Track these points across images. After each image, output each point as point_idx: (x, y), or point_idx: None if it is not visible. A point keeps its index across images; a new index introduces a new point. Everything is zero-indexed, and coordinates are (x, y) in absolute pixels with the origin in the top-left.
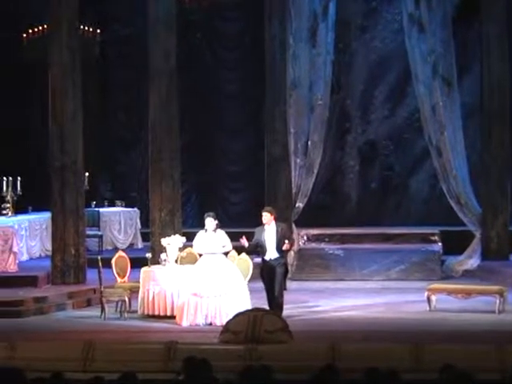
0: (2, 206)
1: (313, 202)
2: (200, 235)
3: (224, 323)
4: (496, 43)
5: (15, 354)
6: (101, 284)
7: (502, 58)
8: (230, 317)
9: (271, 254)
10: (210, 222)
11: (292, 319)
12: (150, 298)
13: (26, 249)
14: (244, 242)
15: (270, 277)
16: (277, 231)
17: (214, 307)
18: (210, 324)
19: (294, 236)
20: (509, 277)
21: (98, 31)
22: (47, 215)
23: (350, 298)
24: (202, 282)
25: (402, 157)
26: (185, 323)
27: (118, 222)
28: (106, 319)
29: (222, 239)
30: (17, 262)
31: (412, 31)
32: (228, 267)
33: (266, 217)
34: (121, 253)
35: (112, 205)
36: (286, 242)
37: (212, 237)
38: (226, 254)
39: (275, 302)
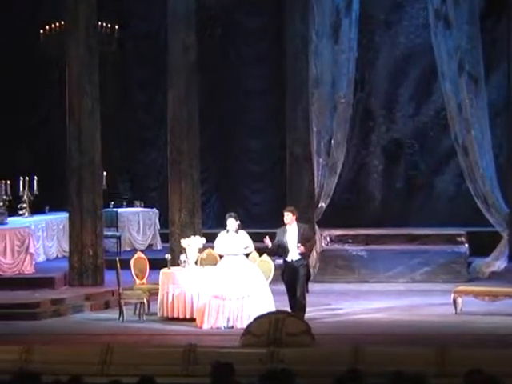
0: (19, 206)
1: (336, 202)
2: (222, 236)
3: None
4: None
5: (32, 357)
6: (119, 286)
7: None
8: (252, 319)
9: (293, 255)
10: (232, 222)
11: (314, 322)
12: (170, 300)
13: (42, 250)
14: (267, 242)
15: (291, 278)
16: (298, 232)
17: (236, 310)
18: (232, 327)
19: (317, 237)
20: None
21: (116, 27)
22: (64, 215)
23: (373, 301)
24: (223, 283)
25: (428, 156)
26: (206, 326)
27: (137, 223)
28: (125, 322)
29: (244, 240)
30: (33, 263)
31: (438, 27)
32: (250, 269)
33: (288, 217)
34: (139, 254)
35: (130, 205)
36: (299, 245)
37: (234, 238)
38: (248, 255)
39: (297, 305)
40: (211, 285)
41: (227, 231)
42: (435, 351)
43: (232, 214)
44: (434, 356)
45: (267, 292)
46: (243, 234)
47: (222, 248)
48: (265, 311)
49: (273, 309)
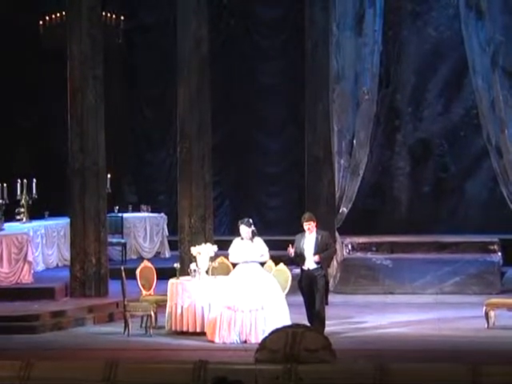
0: (16, 210)
1: (358, 207)
2: (236, 243)
3: (260, 340)
4: None
5: (31, 374)
6: (124, 297)
7: None
8: (267, 333)
9: (309, 263)
10: (244, 229)
11: (335, 336)
12: (179, 313)
13: (42, 258)
14: (291, 251)
15: (308, 289)
16: (316, 239)
17: (249, 322)
18: (245, 341)
19: (338, 244)
20: None
21: (122, 18)
22: (65, 221)
23: (399, 314)
24: (236, 294)
25: (458, 157)
26: (217, 340)
27: (144, 229)
28: (130, 336)
29: (259, 248)
30: (32, 272)
31: (469, 17)
32: (265, 279)
33: (310, 226)
34: (146, 263)
35: (137, 210)
36: (315, 257)
37: (249, 245)
38: (263, 264)
39: (316, 318)
40: (223, 295)
41: (241, 238)
42: (466, 369)
43: (244, 219)
44: (464, 374)
45: (283, 304)
46: (259, 241)
47: (236, 256)
48: (280, 325)
49: (288, 322)
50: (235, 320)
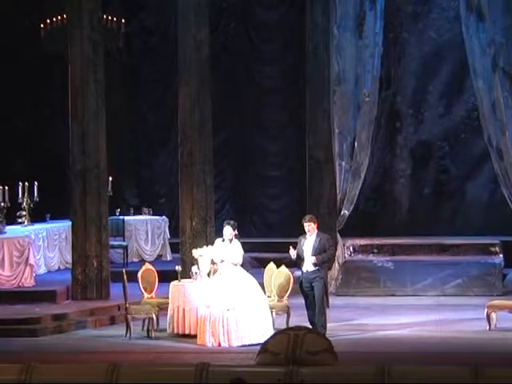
0: (18, 213)
1: (360, 209)
2: (217, 244)
3: (232, 344)
4: None
5: (31, 378)
6: (126, 300)
7: None
8: (237, 336)
9: (307, 265)
10: (228, 230)
11: (337, 339)
12: (180, 316)
13: (43, 261)
14: (294, 253)
15: (308, 291)
16: (315, 241)
17: (220, 323)
18: (219, 344)
19: (339, 247)
20: None
21: (123, 21)
22: (67, 224)
23: (401, 316)
24: (211, 293)
25: (459, 159)
26: (206, 343)
27: (145, 232)
28: (132, 339)
29: (234, 250)
30: (33, 275)
31: (470, 19)
32: (243, 279)
33: (310, 227)
34: (148, 265)
35: (138, 212)
36: (312, 258)
37: (227, 247)
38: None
39: (317, 321)
40: (203, 295)
41: (223, 240)
42: (468, 371)
43: (231, 221)
44: (467, 376)
45: (261, 306)
46: (236, 244)
47: (214, 254)
48: (256, 327)
49: (269, 325)
50: (209, 320)
